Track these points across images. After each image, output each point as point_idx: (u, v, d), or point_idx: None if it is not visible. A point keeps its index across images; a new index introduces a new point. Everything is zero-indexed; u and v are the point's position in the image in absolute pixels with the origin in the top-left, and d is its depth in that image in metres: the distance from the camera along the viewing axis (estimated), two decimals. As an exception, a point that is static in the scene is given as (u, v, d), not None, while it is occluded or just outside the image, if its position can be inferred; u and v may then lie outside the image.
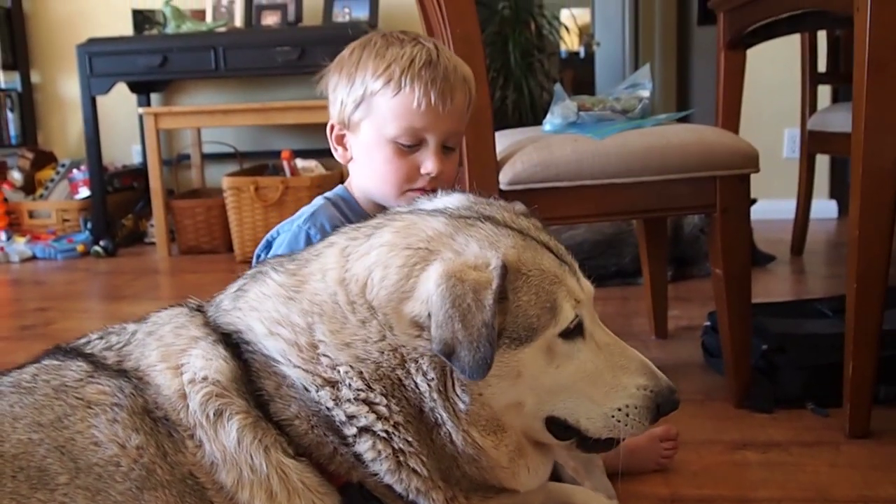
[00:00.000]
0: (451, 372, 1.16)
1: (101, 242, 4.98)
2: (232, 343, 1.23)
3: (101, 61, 4.99)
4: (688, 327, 2.95)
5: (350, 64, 1.69)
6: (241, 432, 1.15)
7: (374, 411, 1.17)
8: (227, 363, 1.20)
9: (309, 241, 1.64)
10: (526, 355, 1.16)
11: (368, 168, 1.72)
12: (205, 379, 1.18)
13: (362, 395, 1.17)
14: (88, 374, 1.20)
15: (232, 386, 1.18)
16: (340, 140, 1.77)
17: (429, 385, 1.16)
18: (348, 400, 1.17)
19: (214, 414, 1.16)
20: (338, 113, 1.72)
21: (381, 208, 1.63)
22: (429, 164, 1.66)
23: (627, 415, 1.21)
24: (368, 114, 1.67)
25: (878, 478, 1.84)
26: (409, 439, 1.17)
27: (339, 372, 1.18)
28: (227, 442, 1.15)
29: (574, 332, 1.19)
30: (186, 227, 4.94)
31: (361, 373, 1.17)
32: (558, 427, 1.24)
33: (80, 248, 5.00)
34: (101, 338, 1.29)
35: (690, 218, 3.75)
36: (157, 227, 5.01)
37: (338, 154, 1.79)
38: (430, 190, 1.64)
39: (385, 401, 1.17)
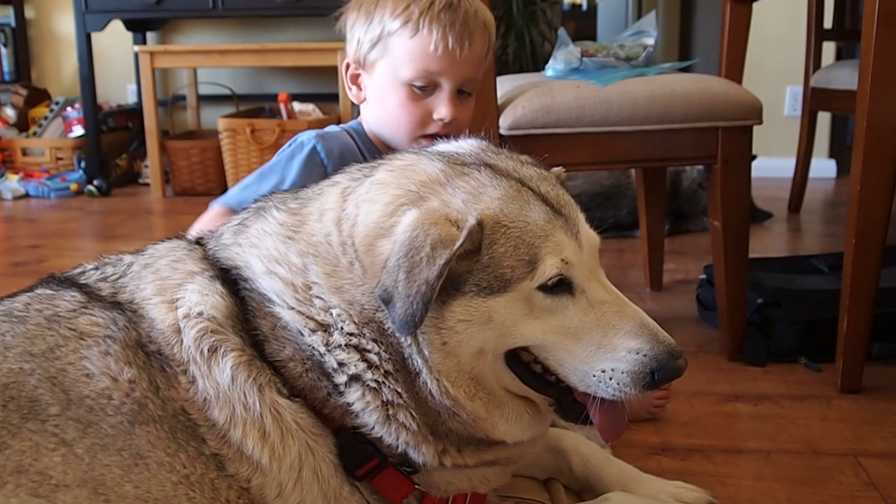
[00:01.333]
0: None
1: (95, 182, 4.94)
2: (230, 279, 1.21)
3: (97, -3, 4.90)
4: (683, 280, 2.95)
5: (370, 2, 1.65)
6: (235, 370, 1.14)
7: (365, 359, 1.15)
8: (224, 299, 1.19)
9: (314, 155, 1.62)
10: (497, 304, 1.12)
11: (381, 110, 1.69)
12: (200, 314, 1.17)
13: (353, 340, 1.15)
14: (82, 304, 1.18)
15: (227, 323, 1.17)
16: (355, 80, 1.74)
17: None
18: (339, 346, 1.15)
19: (209, 350, 1.15)
20: (354, 51, 1.69)
21: (390, 150, 1.59)
22: (442, 109, 1.63)
23: (611, 378, 1.13)
24: (384, 54, 1.64)
25: (867, 432, 1.85)
26: (399, 391, 1.15)
27: (331, 315, 1.16)
28: (221, 379, 1.13)
29: (559, 287, 1.14)
30: (181, 169, 4.90)
31: (352, 316, 1.16)
32: (531, 374, 1.20)
33: (73, 186, 4.96)
34: (97, 268, 1.28)
35: (689, 172, 3.73)
36: (151, 167, 4.96)
37: (352, 94, 1.76)
38: (444, 136, 1.61)
39: (376, 347, 1.15)
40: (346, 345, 1.15)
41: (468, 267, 1.12)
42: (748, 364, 2.22)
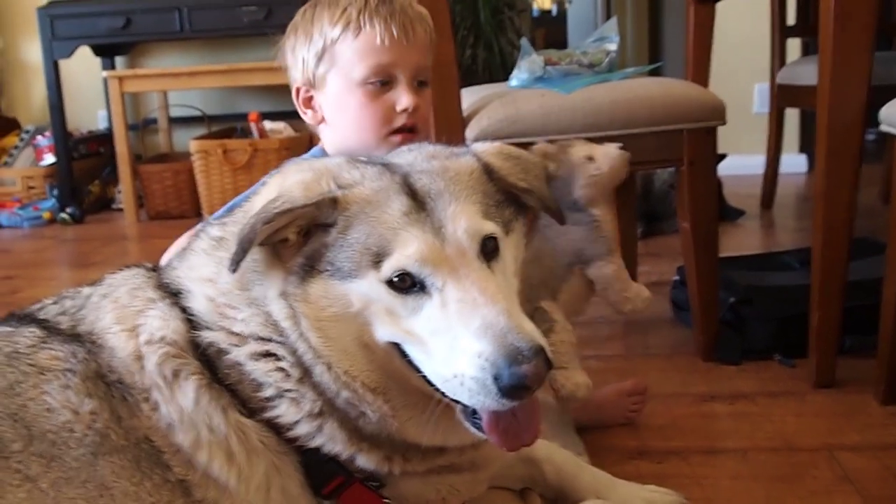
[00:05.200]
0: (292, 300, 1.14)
1: (68, 209, 4.91)
2: (181, 304, 1.22)
3: (63, 24, 4.89)
4: (657, 282, 2.94)
5: (305, 22, 1.66)
6: (198, 392, 1.14)
7: (280, 369, 1.15)
8: (184, 324, 1.19)
9: None
10: (352, 290, 1.10)
11: (343, 120, 1.67)
12: (162, 339, 1.17)
13: (265, 346, 1.16)
14: (41, 339, 1.18)
15: (188, 347, 1.17)
16: (308, 102, 1.72)
17: (282, 314, 1.14)
18: (257, 355, 1.16)
19: (172, 374, 1.15)
20: (301, 73, 1.68)
21: None
22: (404, 99, 1.61)
23: (462, 384, 1.04)
24: (333, 64, 1.63)
25: (842, 426, 1.86)
26: (314, 398, 1.15)
27: (243, 322, 1.17)
28: (185, 402, 1.13)
29: (413, 287, 1.09)
30: (154, 192, 4.89)
31: (256, 316, 1.16)
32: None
33: (46, 215, 4.93)
34: (56, 302, 1.27)
35: (660, 174, 3.75)
36: (124, 192, 4.95)
37: (307, 117, 1.74)
38: (410, 127, 1.62)
39: (282, 350, 1.15)
40: (261, 353, 1.16)
41: (323, 242, 1.12)
42: (723, 363, 2.22)
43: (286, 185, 1.16)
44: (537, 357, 1.01)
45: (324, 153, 1.74)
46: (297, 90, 1.71)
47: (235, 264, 1.10)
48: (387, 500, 1.21)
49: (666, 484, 1.57)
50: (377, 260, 1.09)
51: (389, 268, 1.08)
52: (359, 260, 1.10)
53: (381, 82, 1.62)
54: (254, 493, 1.14)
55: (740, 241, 3.52)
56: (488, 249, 1.13)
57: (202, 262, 1.23)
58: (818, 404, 1.97)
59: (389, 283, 1.08)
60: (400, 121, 1.63)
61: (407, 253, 1.07)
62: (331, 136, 1.72)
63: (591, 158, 1.78)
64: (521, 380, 1.00)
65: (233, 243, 1.13)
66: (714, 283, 2.24)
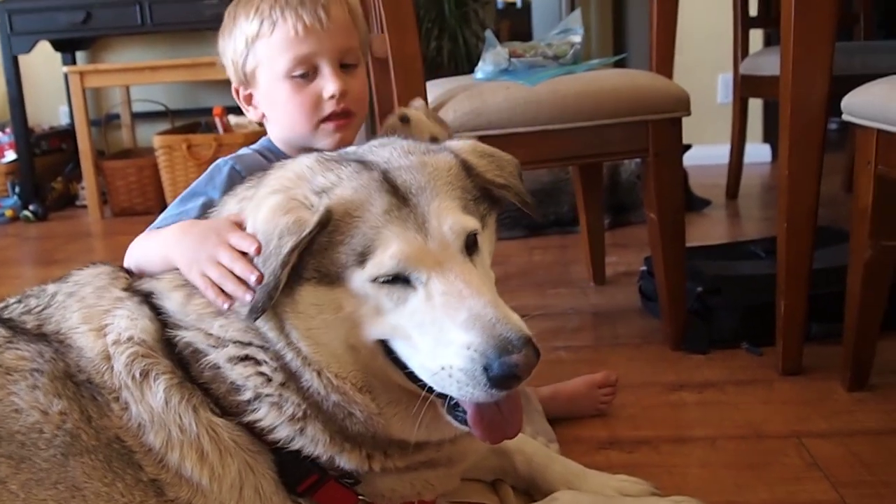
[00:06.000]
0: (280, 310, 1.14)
1: (31, 207, 4.84)
2: (152, 303, 1.21)
3: (22, 19, 4.81)
4: (625, 273, 2.97)
5: (228, 22, 1.66)
6: (168, 392, 1.13)
7: (260, 373, 1.15)
8: (153, 323, 1.18)
9: (233, 173, 1.59)
10: (341, 293, 1.11)
11: (276, 113, 1.66)
12: (130, 339, 1.16)
13: (245, 350, 1.15)
14: (7, 339, 1.16)
15: (158, 346, 1.16)
16: (249, 100, 1.71)
17: (267, 325, 1.14)
18: (236, 359, 1.15)
19: (140, 374, 1.14)
20: (234, 73, 1.68)
21: (306, 151, 1.58)
22: (329, 86, 1.60)
23: (450, 375, 1.06)
24: (257, 61, 1.62)
25: (808, 413, 1.88)
26: (298, 402, 1.15)
27: (221, 327, 1.16)
28: (155, 402, 1.13)
29: (396, 281, 1.10)
30: (118, 189, 4.82)
31: (236, 322, 1.16)
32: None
33: (8, 213, 4.85)
34: (20, 301, 1.26)
35: (627, 165, 3.77)
36: (87, 189, 4.87)
37: (251, 114, 1.73)
38: (343, 112, 1.61)
39: (262, 355, 1.15)
40: (239, 357, 1.15)
41: (308, 251, 1.12)
42: (691, 352, 2.24)
43: (261, 216, 1.14)
44: (526, 347, 1.04)
45: (270, 143, 1.74)
46: (237, 90, 1.72)
47: (260, 312, 1.10)
48: (362, 497, 1.21)
49: (636, 473, 1.58)
50: (361, 259, 1.09)
51: (374, 266, 1.09)
52: (344, 262, 1.10)
53: (304, 73, 1.61)
54: (227, 492, 1.13)
55: (706, 231, 3.55)
56: (469, 244, 1.14)
57: None
58: (785, 392, 2.00)
59: (375, 280, 1.09)
60: (329, 107, 1.61)
61: (390, 252, 1.08)
62: (274, 130, 1.72)
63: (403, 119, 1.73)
64: (512, 369, 1.03)
65: None
66: (681, 273, 2.26)
